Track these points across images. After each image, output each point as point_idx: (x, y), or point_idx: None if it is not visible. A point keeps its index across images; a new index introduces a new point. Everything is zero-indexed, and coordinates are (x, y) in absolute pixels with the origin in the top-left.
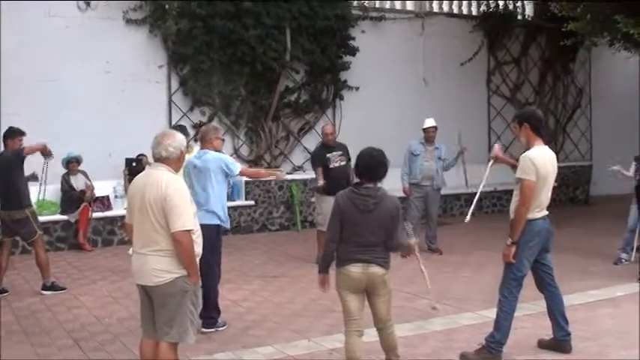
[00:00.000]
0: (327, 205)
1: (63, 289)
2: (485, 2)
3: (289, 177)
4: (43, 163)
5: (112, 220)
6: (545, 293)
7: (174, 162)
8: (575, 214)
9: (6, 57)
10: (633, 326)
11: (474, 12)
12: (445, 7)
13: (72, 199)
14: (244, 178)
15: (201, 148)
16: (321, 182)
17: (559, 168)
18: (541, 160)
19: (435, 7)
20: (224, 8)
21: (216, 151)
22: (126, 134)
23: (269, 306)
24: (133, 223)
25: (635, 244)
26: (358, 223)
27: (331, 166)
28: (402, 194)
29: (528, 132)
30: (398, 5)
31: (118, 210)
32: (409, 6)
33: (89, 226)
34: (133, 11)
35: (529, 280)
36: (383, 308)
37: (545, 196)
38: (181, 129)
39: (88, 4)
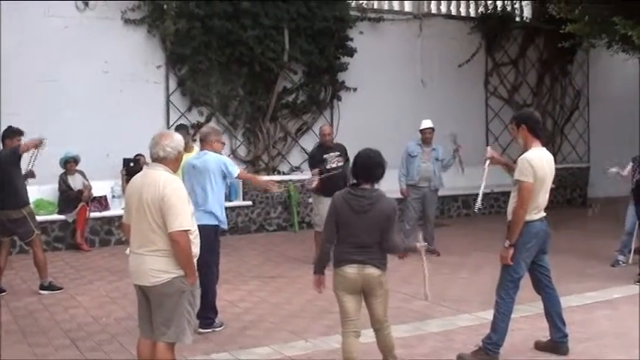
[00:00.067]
0: (324, 206)
1: (60, 288)
2: (483, 4)
3: (286, 177)
4: (31, 152)
5: (110, 220)
6: (543, 295)
7: (171, 162)
8: (572, 215)
9: (5, 57)
10: (630, 328)
11: (472, 13)
12: (443, 9)
13: (69, 198)
14: None
15: (201, 149)
16: (315, 183)
17: (557, 170)
18: (539, 161)
19: (433, 9)
20: (222, 8)
21: (216, 153)
22: (124, 134)
23: (266, 306)
24: (131, 223)
25: (633, 246)
26: (353, 224)
27: (328, 166)
28: (399, 195)
29: (526, 133)
30: (396, 6)
31: (115, 210)
32: (407, 7)
33: (87, 226)
34: (132, 11)
35: (526, 282)
36: (379, 309)
37: (543, 197)
38: (183, 128)
39: (87, 4)
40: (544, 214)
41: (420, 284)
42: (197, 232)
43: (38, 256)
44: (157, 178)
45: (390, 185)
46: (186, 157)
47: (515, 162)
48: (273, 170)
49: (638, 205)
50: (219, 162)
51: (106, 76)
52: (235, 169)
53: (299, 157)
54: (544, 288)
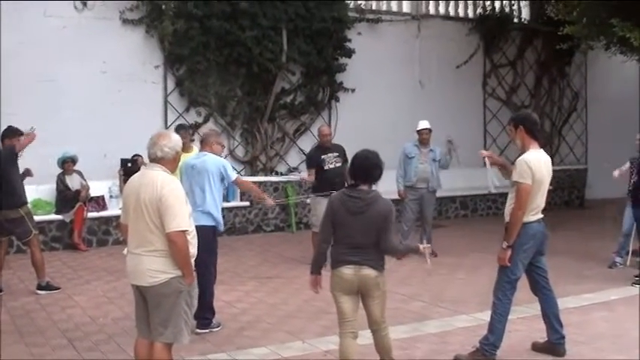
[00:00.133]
0: (321, 206)
1: (57, 288)
2: (481, 5)
3: (284, 178)
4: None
5: (107, 220)
6: (540, 296)
7: (169, 162)
8: (570, 217)
9: (5, 57)
10: (628, 329)
11: (470, 15)
12: (441, 10)
13: (67, 198)
14: None
15: (201, 150)
16: (312, 177)
17: (554, 171)
18: (537, 163)
19: (432, 10)
20: (220, 9)
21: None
22: (121, 134)
23: (263, 307)
24: (128, 223)
25: (630, 248)
26: (349, 225)
27: (326, 167)
28: (397, 197)
29: (523, 135)
30: (394, 7)
31: (113, 210)
32: (405, 8)
33: (84, 226)
34: (130, 11)
35: (523, 283)
36: (377, 310)
37: (541, 199)
38: (184, 128)
39: (85, 5)
40: (541, 215)
41: (419, 285)
42: (194, 232)
43: (36, 255)
44: (154, 178)
45: (387, 186)
46: (185, 158)
47: (513, 163)
48: (271, 171)
49: (635, 206)
50: (219, 164)
51: (104, 76)
52: (234, 174)
53: (297, 157)
54: (541, 289)
